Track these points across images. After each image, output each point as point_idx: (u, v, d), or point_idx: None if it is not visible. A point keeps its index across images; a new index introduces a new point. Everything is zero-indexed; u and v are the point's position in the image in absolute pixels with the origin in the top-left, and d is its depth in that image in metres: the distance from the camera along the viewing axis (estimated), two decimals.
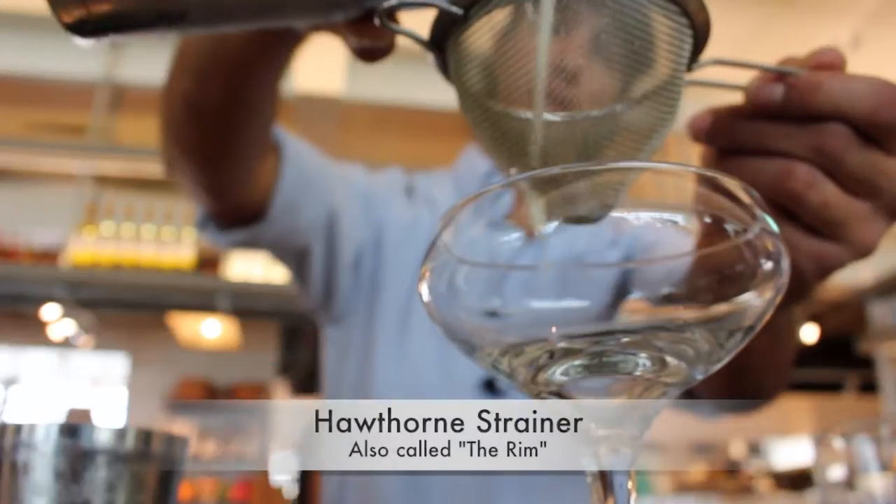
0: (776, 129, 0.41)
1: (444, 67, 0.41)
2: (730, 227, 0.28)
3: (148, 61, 3.74)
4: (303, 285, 0.93)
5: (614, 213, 0.28)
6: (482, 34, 0.38)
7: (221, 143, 0.66)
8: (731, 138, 0.44)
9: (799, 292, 0.45)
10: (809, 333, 4.98)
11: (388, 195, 0.97)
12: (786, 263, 0.30)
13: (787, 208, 0.42)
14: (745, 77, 0.43)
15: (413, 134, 4.17)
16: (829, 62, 0.41)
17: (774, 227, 0.30)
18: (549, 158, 0.37)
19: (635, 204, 0.28)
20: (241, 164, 0.72)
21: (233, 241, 0.81)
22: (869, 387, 5.61)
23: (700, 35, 0.39)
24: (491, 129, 0.39)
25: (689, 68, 0.40)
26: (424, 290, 0.31)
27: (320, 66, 3.36)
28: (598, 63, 0.37)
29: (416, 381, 0.89)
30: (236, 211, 0.78)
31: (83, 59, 3.75)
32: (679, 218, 0.27)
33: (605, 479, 0.30)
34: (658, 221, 0.27)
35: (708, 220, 0.28)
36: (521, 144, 0.38)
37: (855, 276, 4.29)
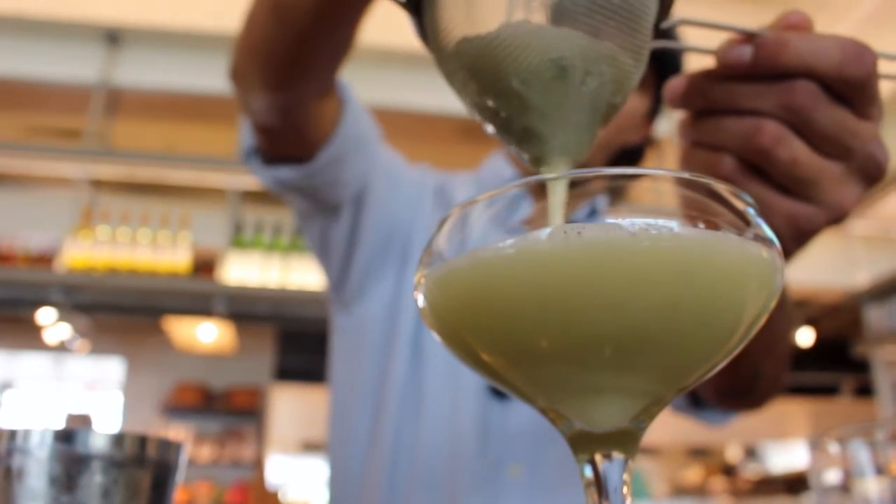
0: (747, 88, 0.42)
1: (422, 30, 0.41)
2: (724, 233, 0.29)
3: (143, 66, 3.74)
4: (323, 255, 0.94)
5: (614, 221, 0.28)
6: None
7: (301, 47, 0.66)
8: (704, 100, 0.45)
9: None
10: (805, 337, 4.98)
11: (420, 193, 0.98)
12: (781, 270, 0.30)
13: (759, 166, 0.43)
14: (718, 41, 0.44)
15: (411, 138, 4.17)
16: (795, 23, 0.42)
17: (769, 232, 0.30)
18: (532, 109, 0.36)
19: (636, 211, 0.28)
20: (310, 83, 0.72)
21: (277, 177, 0.81)
22: (864, 390, 5.62)
23: None
24: (465, 80, 0.38)
25: (657, 26, 0.40)
26: (420, 297, 0.31)
27: None
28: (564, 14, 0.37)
29: (426, 385, 0.90)
30: (291, 139, 0.78)
31: (79, 63, 3.74)
32: (676, 224, 0.27)
33: (599, 484, 0.30)
34: (655, 228, 0.27)
35: (702, 225, 0.28)
36: (496, 96, 0.37)
37: (851, 279, 4.30)
